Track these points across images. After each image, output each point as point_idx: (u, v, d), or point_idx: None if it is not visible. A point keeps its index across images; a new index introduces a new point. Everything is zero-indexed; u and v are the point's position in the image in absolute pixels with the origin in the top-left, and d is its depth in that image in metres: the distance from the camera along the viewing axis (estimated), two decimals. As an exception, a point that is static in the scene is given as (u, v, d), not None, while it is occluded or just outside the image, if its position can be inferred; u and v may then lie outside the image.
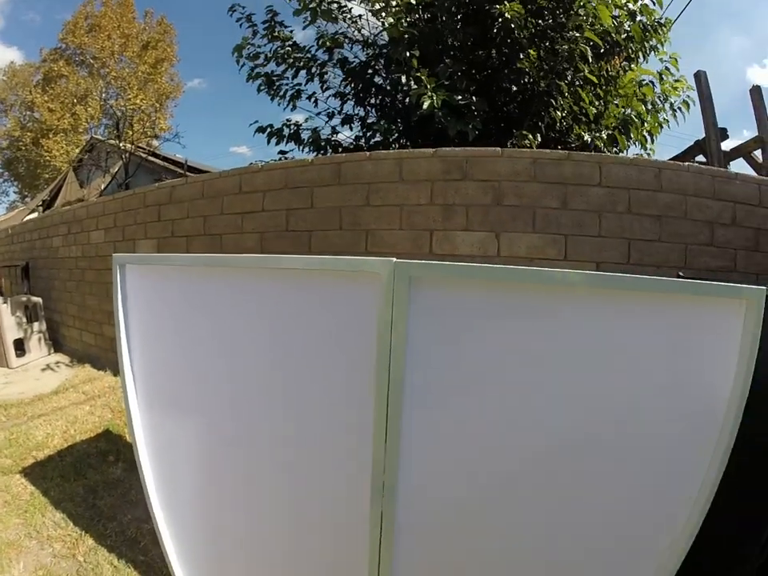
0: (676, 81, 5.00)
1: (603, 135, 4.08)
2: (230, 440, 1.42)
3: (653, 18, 4.87)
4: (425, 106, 3.40)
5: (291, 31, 5.06)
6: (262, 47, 5.06)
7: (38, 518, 2.26)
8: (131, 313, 1.55)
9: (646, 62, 5.54)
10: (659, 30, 4.97)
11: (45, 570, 1.91)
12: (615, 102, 4.24)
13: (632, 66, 5.29)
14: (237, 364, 1.36)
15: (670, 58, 4.96)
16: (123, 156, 10.26)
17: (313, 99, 5.13)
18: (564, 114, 4.44)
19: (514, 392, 1.05)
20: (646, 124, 5.04)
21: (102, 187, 11.40)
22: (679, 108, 5.31)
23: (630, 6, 4.74)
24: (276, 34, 5.05)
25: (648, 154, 5.97)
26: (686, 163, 3.67)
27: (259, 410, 1.34)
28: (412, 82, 3.68)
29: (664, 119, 5.49)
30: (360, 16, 5.09)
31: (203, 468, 1.49)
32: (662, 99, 5.16)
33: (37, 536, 2.14)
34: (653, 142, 5.47)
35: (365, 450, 1.10)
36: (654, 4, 4.90)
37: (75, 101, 14.68)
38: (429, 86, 3.37)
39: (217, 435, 1.44)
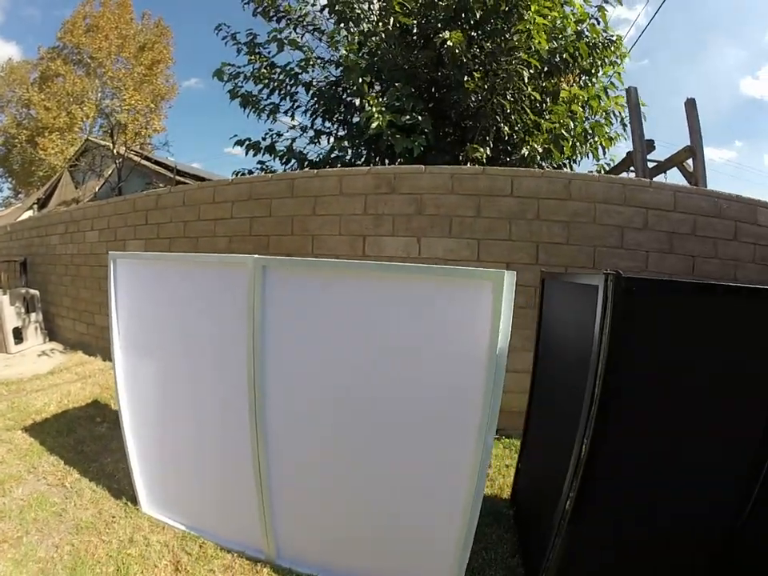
0: (616, 96, 5.66)
1: (539, 149, 4.75)
2: (173, 387, 2.20)
3: (602, 37, 5.54)
4: (373, 126, 4.11)
5: (269, 52, 5.84)
6: (242, 67, 5.84)
7: (35, 460, 2.92)
8: (120, 295, 2.29)
9: (605, 76, 6.23)
10: (610, 47, 5.64)
11: (39, 494, 2.54)
12: (548, 117, 4.89)
13: (592, 79, 5.97)
14: (180, 333, 2.13)
15: (614, 73, 5.62)
16: (117, 161, 11.08)
17: (289, 114, 5.90)
18: (516, 129, 5.14)
19: (329, 346, 1.78)
20: (596, 138, 5.72)
21: (96, 189, 12.16)
22: (630, 123, 5.97)
23: (580, 26, 5.41)
24: (257, 52, 5.82)
25: (606, 165, 6.66)
26: (598, 173, 4.33)
27: (192, 366, 2.11)
28: (366, 104, 4.40)
29: (616, 133, 6.17)
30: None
31: (157, 405, 2.26)
32: (607, 114, 5.82)
33: (34, 471, 2.79)
34: (604, 154, 6.14)
35: (245, 386, 1.87)
36: (599, 23, 5.57)
37: (71, 100, 15.24)
38: (376, 109, 4.09)
39: (165, 380, 2.22)
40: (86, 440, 3.28)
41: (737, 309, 1.54)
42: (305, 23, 6.02)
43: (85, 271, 6.01)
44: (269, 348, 1.84)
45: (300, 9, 5.79)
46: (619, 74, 5.62)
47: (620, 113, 5.98)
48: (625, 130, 6.22)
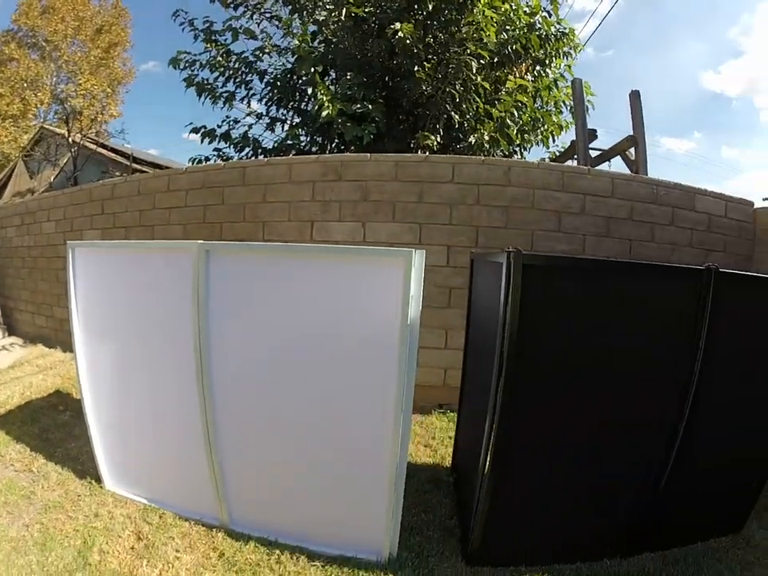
0: (568, 86, 5.98)
1: (486, 137, 5.04)
2: (130, 369, 2.39)
3: (554, 29, 5.83)
4: (323, 114, 4.31)
5: (225, 40, 5.93)
6: (199, 54, 5.92)
7: (1, 449, 3.03)
8: (78, 283, 2.46)
9: (557, 67, 6.54)
10: (562, 39, 5.94)
11: (8, 479, 2.67)
12: (496, 107, 5.17)
13: (545, 69, 6.27)
14: (134, 316, 2.32)
15: (565, 66, 5.94)
16: (72, 150, 10.91)
17: (245, 101, 6.03)
18: (468, 117, 5.39)
19: (267, 315, 2.01)
20: (546, 126, 6.04)
21: (52, 179, 11.95)
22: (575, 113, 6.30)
23: (532, 18, 5.67)
24: (213, 40, 5.91)
25: (557, 153, 7.01)
26: (551, 161, 4.61)
27: (146, 347, 2.31)
28: (318, 93, 4.59)
29: (566, 121, 6.51)
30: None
31: (116, 387, 2.45)
32: (557, 104, 6.16)
33: (1, 460, 2.91)
34: (554, 142, 6.48)
35: (194, 361, 2.07)
36: (551, 16, 5.87)
37: (25, 85, 14.76)
38: (326, 98, 4.29)
39: (123, 362, 2.41)
40: (50, 428, 3.42)
41: (628, 284, 1.86)
42: (262, 10, 6.14)
43: (42, 263, 6.04)
44: (212, 325, 2.04)
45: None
46: (569, 66, 5.95)
47: (569, 103, 6.32)
48: (575, 118, 6.58)
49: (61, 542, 2.16)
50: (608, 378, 1.93)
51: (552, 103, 6.21)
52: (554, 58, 6.15)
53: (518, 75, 5.90)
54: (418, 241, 3.70)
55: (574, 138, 5.48)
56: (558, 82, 6.21)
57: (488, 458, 1.90)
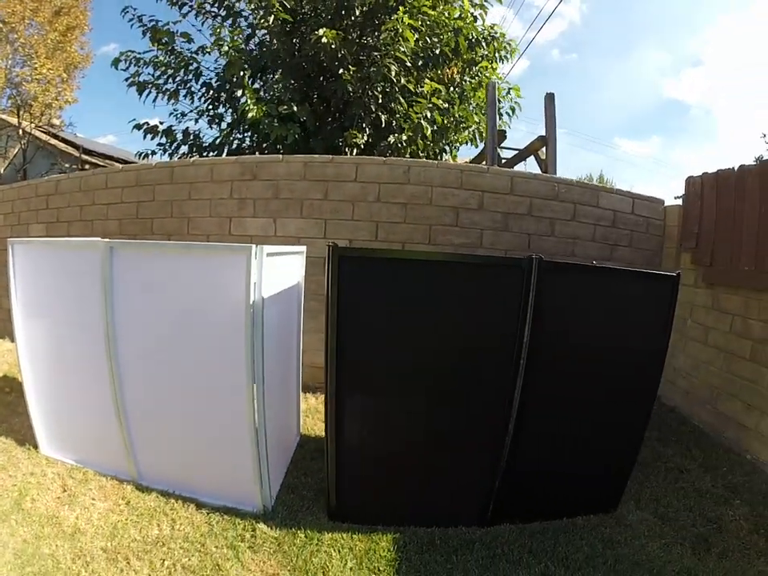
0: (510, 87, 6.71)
1: (404, 136, 5.66)
2: (58, 348, 2.91)
3: (486, 33, 6.47)
4: (249, 116, 4.90)
5: (165, 42, 6.44)
6: (144, 53, 6.43)
7: None
8: (17, 275, 2.94)
9: (485, 69, 7.18)
10: (492, 43, 6.59)
11: None
12: (415, 109, 5.76)
13: (479, 72, 6.92)
14: (60, 302, 2.84)
15: (488, 69, 6.59)
16: (22, 141, 11.26)
17: (188, 98, 6.58)
18: (396, 116, 6.01)
19: (157, 299, 2.53)
20: (472, 126, 6.71)
21: (1, 170, 12.31)
22: (507, 113, 7.05)
23: (459, 23, 6.28)
24: (158, 38, 6.43)
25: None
26: (435, 161, 5.20)
27: (69, 329, 2.82)
28: (246, 95, 5.17)
29: (503, 121, 7.20)
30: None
31: (49, 364, 2.96)
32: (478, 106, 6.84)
33: None
34: (482, 140, 7.14)
35: (103, 340, 2.63)
36: (477, 20, 6.49)
37: None
38: (251, 101, 4.87)
39: (55, 344, 2.92)
40: None
41: (431, 271, 2.35)
42: (204, 11, 6.68)
43: None
44: (117, 309, 2.56)
45: None
46: (494, 68, 6.62)
47: (506, 101, 7.07)
48: (510, 118, 7.32)
49: (1, 495, 2.65)
50: (433, 351, 2.35)
51: (476, 104, 6.88)
52: (492, 61, 6.82)
53: (449, 76, 6.56)
54: (323, 235, 4.23)
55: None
56: (481, 84, 6.88)
57: (329, 428, 2.37)
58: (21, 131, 11.95)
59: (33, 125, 11.99)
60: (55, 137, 12.66)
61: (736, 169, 3.95)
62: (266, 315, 2.38)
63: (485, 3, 6.60)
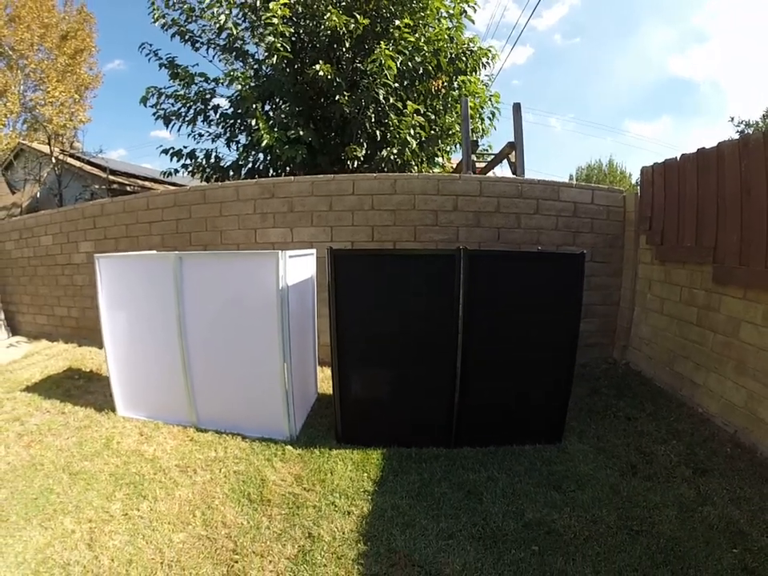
0: (493, 95, 7.95)
1: (394, 150, 6.88)
2: (136, 330, 4.05)
3: (465, 48, 7.67)
4: (263, 143, 6.16)
5: (185, 79, 7.76)
6: (165, 88, 7.75)
7: (38, 404, 4.55)
8: (103, 279, 4.05)
9: (478, 79, 8.38)
10: (471, 57, 7.78)
11: (48, 419, 4.21)
12: (401, 127, 6.86)
13: (460, 83, 8.11)
14: (139, 296, 4.00)
15: (469, 81, 7.78)
16: (56, 168, 12.72)
17: (206, 124, 7.90)
18: (390, 131, 7.23)
19: (214, 293, 3.73)
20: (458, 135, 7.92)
21: (37, 194, 13.63)
22: (488, 118, 8.22)
23: (436, 44, 7.46)
24: (176, 73, 7.76)
25: (479, 154, 8.88)
26: (418, 174, 6.36)
27: (147, 315, 3.98)
28: (260, 125, 6.43)
29: (485, 127, 8.41)
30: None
31: (127, 343, 4.09)
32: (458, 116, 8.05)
33: (39, 409, 4.45)
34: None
35: (175, 322, 3.81)
36: (453, 40, 7.69)
37: None
38: (264, 130, 6.14)
39: (131, 327, 4.07)
40: (70, 389, 4.95)
41: (397, 262, 3.51)
42: (215, 45, 7.99)
43: (42, 271, 7.62)
44: (186, 298, 3.72)
45: (205, 34, 7.82)
46: (473, 82, 7.79)
47: (487, 107, 8.29)
48: (492, 122, 8.52)
49: (92, 442, 3.69)
50: (400, 316, 3.45)
51: (458, 114, 8.09)
52: (466, 73, 7.99)
53: (435, 88, 7.76)
54: (330, 239, 5.37)
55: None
56: (475, 93, 8.07)
57: (334, 376, 3.54)
58: (54, 158, 13.30)
59: (64, 153, 13.18)
60: (79, 159, 13.93)
61: (678, 158, 4.75)
62: (290, 297, 3.52)
63: (461, 23, 7.85)
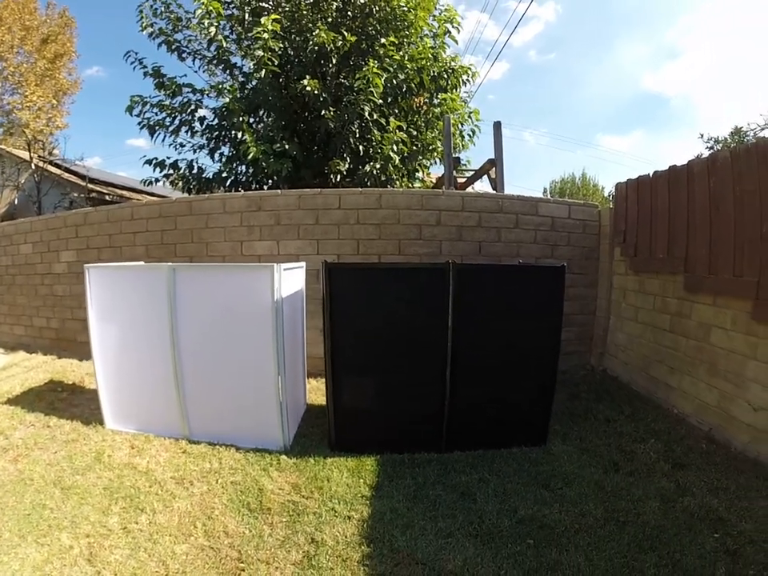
0: (472, 111, 8.21)
1: (377, 165, 7.02)
2: (126, 342, 4.03)
3: (447, 67, 7.89)
4: (250, 156, 6.24)
5: (172, 88, 7.79)
6: (150, 97, 7.77)
7: (21, 417, 4.43)
8: (93, 289, 4.02)
9: (458, 95, 8.62)
10: (453, 75, 8.00)
11: (32, 432, 4.13)
12: (383, 143, 7.03)
13: (441, 99, 8.34)
14: (130, 307, 4.00)
15: (450, 98, 8.01)
16: (35, 175, 12.53)
17: (189, 134, 7.93)
18: (373, 146, 7.39)
19: (206, 305, 3.76)
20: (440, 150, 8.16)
21: (11, 199, 13.37)
22: (468, 134, 8.47)
23: (420, 63, 7.67)
24: (162, 82, 7.78)
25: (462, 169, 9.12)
26: (402, 189, 6.53)
27: (137, 326, 3.97)
28: (246, 137, 6.51)
29: (464, 142, 8.66)
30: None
31: (116, 355, 4.06)
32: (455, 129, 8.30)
33: (23, 422, 4.35)
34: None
35: (168, 333, 3.82)
36: (436, 59, 7.90)
37: None
38: (251, 143, 6.22)
39: (121, 338, 4.05)
40: (54, 402, 4.84)
41: (389, 275, 3.62)
42: (201, 56, 8.05)
43: (20, 280, 7.49)
44: (179, 309, 3.73)
45: (191, 44, 7.89)
46: (453, 99, 8.04)
47: (467, 124, 8.54)
48: (472, 139, 8.78)
49: (81, 456, 3.64)
50: (392, 326, 3.58)
51: (439, 131, 8.32)
52: (454, 89, 8.22)
53: (417, 105, 7.97)
54: (317, 252, 5.44)
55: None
56: (455, 109, 8.32)
57: (328, 385, 3.64)
58: (34, 165, 13.10)
59: (44, 160, 13.02)
60: (60, 167, 13.75)
61: (651, 174, 5.05)
62: (284, 309, 3.61)
63: (444, 44, 8.10)
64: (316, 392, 5.11)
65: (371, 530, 2.72)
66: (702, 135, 16.80)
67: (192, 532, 2.72)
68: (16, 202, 13.66)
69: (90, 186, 12.68)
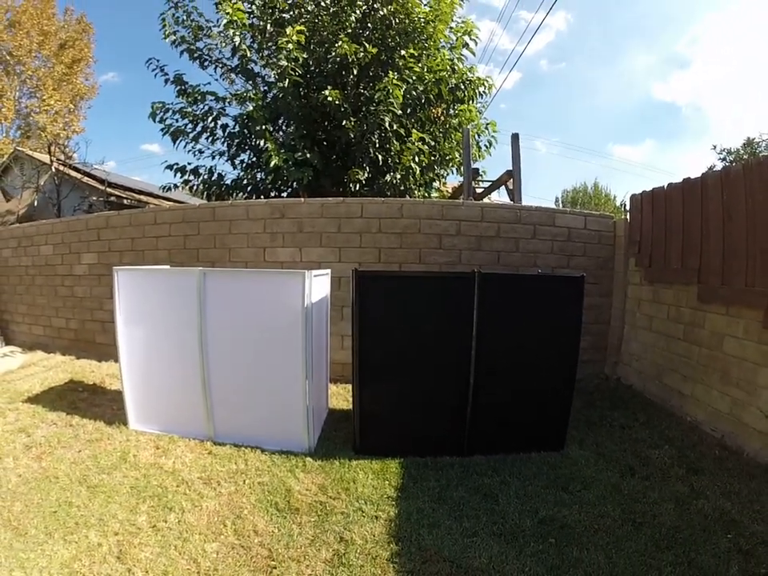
0: (489, 122, 8.30)
1: (398, 175, 7.14)
2: (153, 343, 4.10)
3: (464, 78, 7.99)
4: (272, 164, 6.35)
5: (195, 97, 7.95)
6: (171, 104, 7.92)
7: (43, 416, 4.48)
8: (121, 291, 4.10)
9: (474, 107, 8.73)
10: (470, 86, 8.10)
11: (55, 431, 4.18)
12: (404, 154, 7.14)
13: (458, 111, 8.44)
14: (160, 308, 4.07)
15: (468, 110, 8.12)
16: (55, 177, 12.74)
17: (210, 141, 8.08)
18: (392, 155, 7.50)
19: (235, 309, 3.82)
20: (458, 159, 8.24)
21: (30, 200, 13.45)
22: (485, 145, 8.56)
23: (438, 74, 7.77)
24: (184, 90, 7.94)
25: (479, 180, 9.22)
26: (424, 199, 6.61)
27: (166, 328, 4.04)
28: (268, 145, 6.64)
29: (482, 152, 8.75)
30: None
31: (142, 356, 4.13)
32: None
33: (45, 421, 4.39)
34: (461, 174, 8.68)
35: (196, 336, 3.90)
36: (455, 72, 8.02)
37: None
38: (273, 151, 6.34)
39: (148, 340, 4.12)
40: (75, 401, 4.90)
41: (407, 282, 3.71)
42: (222, 65, 8.22)
43: (40, 281, 7.58)
44: (207, 313, 3.80)
45: (212, 53, 8.05)
46: (470, 111, 8.15)
47: (484, 135, 8.65)
48: (480, 154, 8.87)
49: (106, 455, 3.68)
50: (418, 333, 3.63)
51: (457, 142, 8.43)
52: (464, 101, 8.33)
53: (435, 115, 8.08)
54: (339, 260, 5.52)
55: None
56: (472, 120, 8.43)
57: (355, 389, 3.69)
58: (54, 168, 13.32)
59: (63, 163, 13.21)
60: (79, 171, 13.94)
61: (665, 186, 5.12)
62: (314, 316, 3.69)
63: (462, 55, 8.23)
64: (336, 397, 5.17)
65: (398, 530, 2.78)
66: (715, 146, 16.98)
67: (222, 531, 2.76)
68: (35, 204, 13.86)
69: (108, 190, 12.87)
